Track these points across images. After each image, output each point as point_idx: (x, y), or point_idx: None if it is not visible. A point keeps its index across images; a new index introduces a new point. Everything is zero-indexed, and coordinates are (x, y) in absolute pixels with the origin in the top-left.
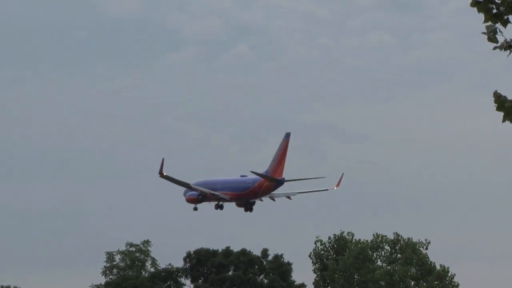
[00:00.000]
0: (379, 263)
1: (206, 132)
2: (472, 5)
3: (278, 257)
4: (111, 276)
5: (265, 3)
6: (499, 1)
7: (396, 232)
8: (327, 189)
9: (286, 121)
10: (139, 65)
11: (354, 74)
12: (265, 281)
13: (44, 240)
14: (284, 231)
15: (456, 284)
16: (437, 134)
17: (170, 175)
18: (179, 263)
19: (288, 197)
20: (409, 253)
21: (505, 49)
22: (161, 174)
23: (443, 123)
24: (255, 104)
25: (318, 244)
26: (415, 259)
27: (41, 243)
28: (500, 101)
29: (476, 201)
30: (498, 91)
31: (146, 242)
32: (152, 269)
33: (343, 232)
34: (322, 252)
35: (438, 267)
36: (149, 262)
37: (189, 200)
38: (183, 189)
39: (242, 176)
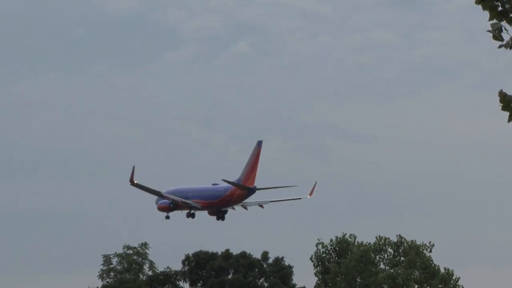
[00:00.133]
0: (382, 266)
1: (206, 132)
2: (477, 2)
3: (278, 260)
4: (108, 280)
5: (266, 0)
6: None
7: (399, 235)
8: (300, 198)
9: (287, 121)
10: (137, 63)
11: (356, 73)
12: (266, 284)
13: (39, 242)
14: (285, 234)
15: (461, 287)
16: (440, 134)
17: (170, 174)
18: (177, 266)
19: (261, 206)
20: (412, 256)
21: (511, 48)
22: (131, 182)
23: (447, 123)
24: (255, 104)
25: (320, 246)
26: (418, 262)
27: (36, 245)
28: (506, 101)
29: (482, 202)
30: (503, 91)
31: (144, 245)
32: (150, 272)
33: (345, 234)
34: (324, 255)
35: (442, 270)
36: (147, 265)
37: (161, 209)
38: (155, 197)
39: (214, 184)
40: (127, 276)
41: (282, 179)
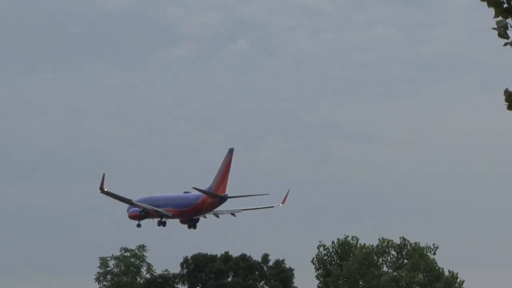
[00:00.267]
0: (385, 268)
1: (205, 131)
2: None
3: (279, 263)
4: (104, 283)
5: None
6: None
7: (403, 237)
8: (272, 206)
9: (287, 120)
10: (134, 62)
11: (358, 71)
12: (266, 287)
13: (35, 245)
14: (286, 236)
15: None
16: (444, 134)
17: (170, 174)
18: (175, 269)
19: (233, 214)
20: (416, 259)
21: None
22: (101, 190)
23: (451, 122)
24: (255, 103)
25: (321, 249)
26: (422, 264)
27: (31, 248)
28: (511, 100)
29: (487, 204)
30: (509, 89)
31: (142, 247)
32: (148, 275)
33: (347, 236)
34: (325, 257)
35: (446, 273)
36: (145, 267)
37: (132, 217)
38: (126, 204)
39: (185, 192)
40: (124, 279)
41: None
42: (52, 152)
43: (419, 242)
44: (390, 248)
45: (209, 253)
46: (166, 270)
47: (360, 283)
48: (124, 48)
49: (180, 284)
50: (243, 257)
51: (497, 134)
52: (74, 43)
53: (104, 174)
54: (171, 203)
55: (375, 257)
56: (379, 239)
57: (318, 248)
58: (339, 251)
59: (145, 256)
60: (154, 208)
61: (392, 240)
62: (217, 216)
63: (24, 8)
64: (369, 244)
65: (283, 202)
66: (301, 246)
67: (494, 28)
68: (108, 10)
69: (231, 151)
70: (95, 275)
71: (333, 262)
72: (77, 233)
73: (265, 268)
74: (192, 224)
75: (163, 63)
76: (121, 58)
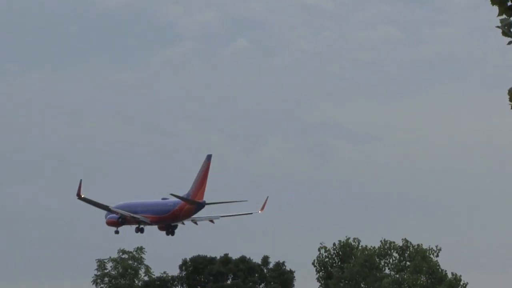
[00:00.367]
0: (387, 271)
1: (205, 131)
2: None
3: (279, 265)
4: (102, 285)
5: None
6: None
7: (405, 238)
8: (251, 213)
9: (287, 120)
10: (134, 61)
11: (359, 70)
12: None
13: (32, 246)
14: (286, 237)
15: None
16: (448, 134)
17: (169, 174)
18: (174, 271)
19: (211, 221)
20: (418, 261)
21: None
22: (78, 196)
23: (455, 122)
24: (256, 103)
25: (322, 251)
26: (425, 267)
27: (28, 249)
28: None
29: (490, 205)
30: None
31: (140, 249)
32: (146, 278)
33: (348, 238)
34: (327, 259)
35: (449, 275)
36: (143, 270)
37: (109, 223)
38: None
39: (163, 199)
40: (122, 281)
41: (281, 181)
42: (52, 152)
43: (421, 244)
44: (392, 250)
45: (208, 255)
46: (164, 272)
47: (362, 285)
48: (124, 47)
49: (179, 286)
50: (243, 259)
51: (501, 134)
52: (73, 42)
53: (81, 180)
54: (149, 209)
55: (377, 259)
56: (381, 241)
57: (319, 250)
58: (340, 253)
59: (143, 258)
60: (132, 215)
61: (394, 242)
62: (195, 223)
63: (23, 7)
64: (371, 246)
65: (262, 209)
66: (301, 248)
67: (497, 27)
68: (107, 9)
69: (209, 157)
70: (92, 277)
71: (334, 264)
72: (74, 234)
73: (265, 270)
74: (170, 231)
75: (162, 62)
76: (121, 57)
